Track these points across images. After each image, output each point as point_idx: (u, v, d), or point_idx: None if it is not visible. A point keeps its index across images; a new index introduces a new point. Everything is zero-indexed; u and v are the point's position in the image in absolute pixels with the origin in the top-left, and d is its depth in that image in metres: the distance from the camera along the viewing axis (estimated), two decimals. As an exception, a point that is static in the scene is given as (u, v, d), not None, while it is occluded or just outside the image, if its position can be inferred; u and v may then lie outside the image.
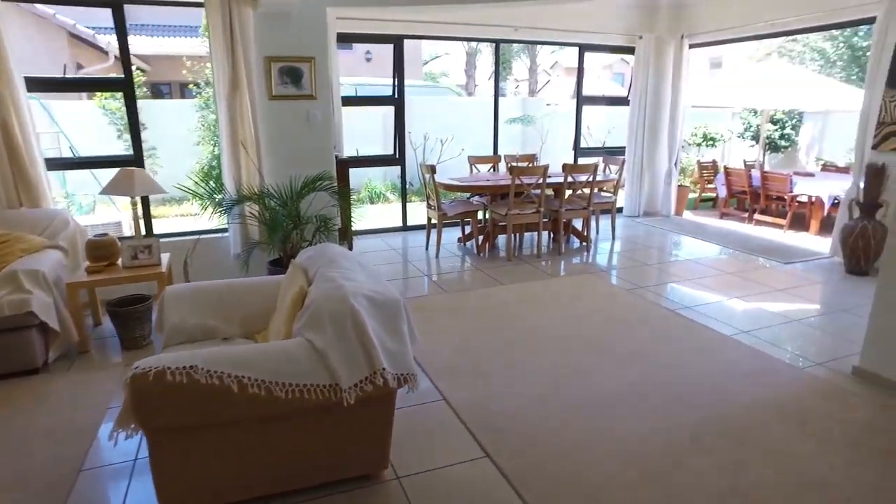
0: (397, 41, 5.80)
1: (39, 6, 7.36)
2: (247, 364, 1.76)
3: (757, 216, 6.89)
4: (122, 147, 7.32)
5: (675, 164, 7.11)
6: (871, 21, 4.88)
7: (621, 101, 7.47)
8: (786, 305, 4.06)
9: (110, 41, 8.73)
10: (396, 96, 6.00)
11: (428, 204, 5.53)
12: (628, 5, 6.53)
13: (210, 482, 1.87)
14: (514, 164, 5.79)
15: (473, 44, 15.23)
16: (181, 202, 8.08)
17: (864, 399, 2.75)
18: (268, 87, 4.34)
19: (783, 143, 10.13)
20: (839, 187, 5.93)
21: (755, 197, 6.94)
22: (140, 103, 4.41)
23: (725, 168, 7.44)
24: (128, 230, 5.30)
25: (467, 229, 5.82)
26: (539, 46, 15.88)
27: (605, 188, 6.07)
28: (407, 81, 6.11)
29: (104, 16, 4.13)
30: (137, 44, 10.63)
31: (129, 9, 4.13)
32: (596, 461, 2.26)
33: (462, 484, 2.14)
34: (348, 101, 5.96)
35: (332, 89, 4.74)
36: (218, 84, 4.09)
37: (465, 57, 17.40)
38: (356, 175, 7.23)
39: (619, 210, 6.86)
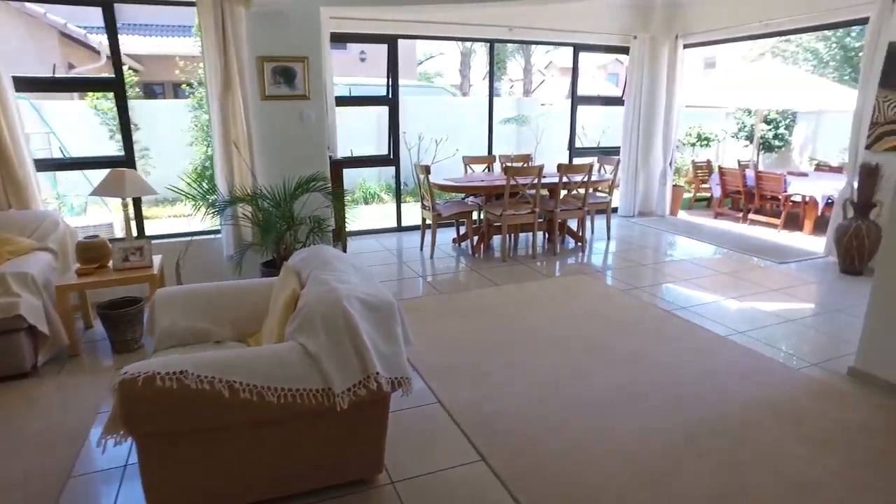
0: (391, 41, 5.78)
1: (29, 4, 7.28)
2: (238, 368, 1.74)
3: (751, 216, 6.91)
4: (114, 147, 7.26)
5: (670, 164, 7.12)
6: (863, 21, 4.89)
7: (616, 101, 7.48)
8: (780, 305, 4.06)
9: (102, 41, 8.66)
10: (391, 96, 5.97)
11: (422, 204, 5.51)
12: (622, 5, 6.53)
13: (201, 488, 1.84)
14: (509, 164, 5.75)
15: (468, 44, 15.21)
16: (174, 203, 8.03)
17: (860, 399, 2.75)
18: (261, 87, 4.31)
19: (777, 142, 10.18)
20: (833, 187, 5.96)
21: (749, 197, 6.97)
22: (133, 103, 4.38)
23: (720, 168, 7.46)
24: (119, 232, 5.25)
25: (462, 230, 5.81)
26: (534, 46, 15.89)
27: (599, 188, 6.06)
28: (401, 81, 6.08)
29: (96, 15, 4.09)
30: (130, 43, 10.53)
31: (122, 8, 4.09)
32: (596, 461, 2.26)
33: (457, 487, 2.13)
34: (342, 101, 5.93)
35: (326, 89, 4.71)
36: (210, 84, 4.05)
37: (459, 57, 17.36)
38: (350, 175, 7.19)
39: (614, 210, 6.87)
